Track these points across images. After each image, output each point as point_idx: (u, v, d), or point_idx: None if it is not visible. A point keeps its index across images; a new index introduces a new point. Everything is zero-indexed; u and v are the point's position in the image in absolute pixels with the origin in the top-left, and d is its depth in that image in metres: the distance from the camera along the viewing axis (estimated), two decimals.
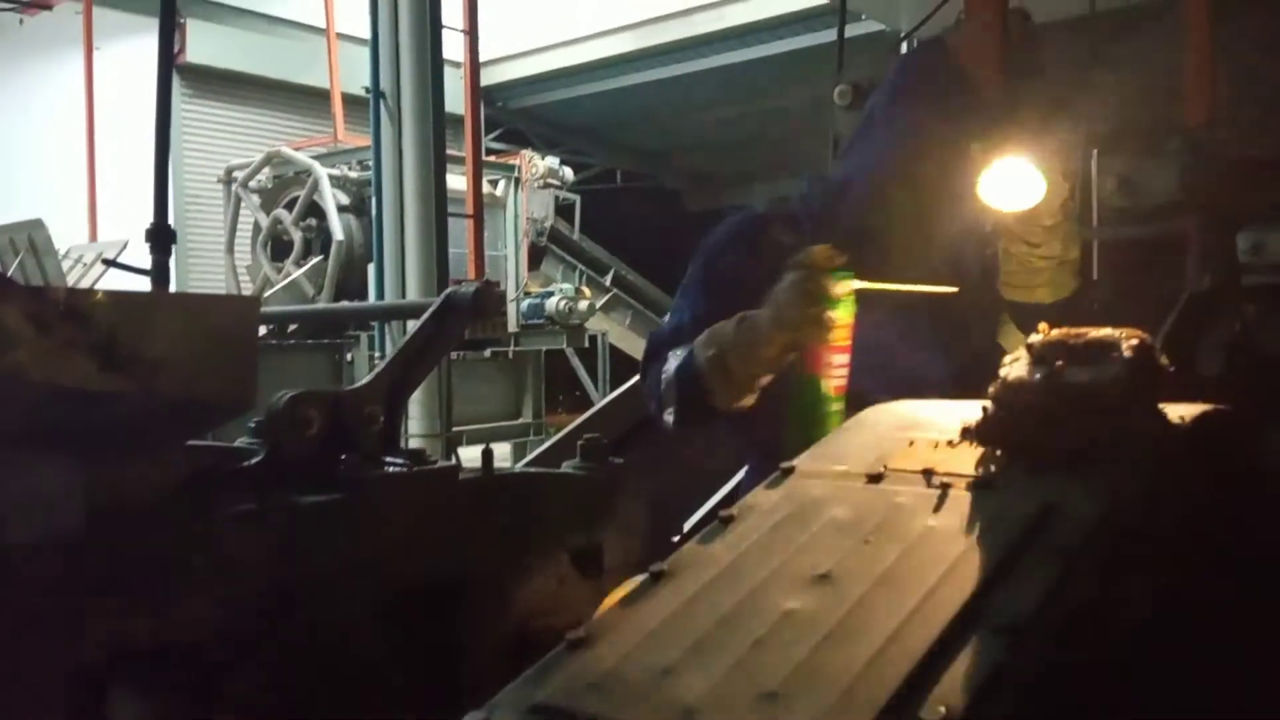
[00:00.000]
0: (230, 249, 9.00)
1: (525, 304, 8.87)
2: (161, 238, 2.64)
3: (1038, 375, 0.75)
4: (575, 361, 9.63)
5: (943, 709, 0.50)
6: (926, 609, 0.59)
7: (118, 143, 9.00)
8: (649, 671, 0.61)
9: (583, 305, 8.95)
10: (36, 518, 1.14)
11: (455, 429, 6.74)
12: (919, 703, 0.51)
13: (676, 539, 1.63)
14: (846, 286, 1.26)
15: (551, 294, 8.93)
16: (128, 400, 1.16)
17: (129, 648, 1.01)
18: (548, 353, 9.18)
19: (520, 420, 8.90)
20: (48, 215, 6.71)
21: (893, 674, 0.54)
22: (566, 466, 1.52)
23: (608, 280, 10.60)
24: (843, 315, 1.27)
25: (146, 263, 2.85)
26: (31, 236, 5.92)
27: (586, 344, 9.53)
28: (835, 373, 1.29)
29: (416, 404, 5.91)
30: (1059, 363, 0.75)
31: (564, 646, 0.66)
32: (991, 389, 0.76)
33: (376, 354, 6.84)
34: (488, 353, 8.40)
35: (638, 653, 0.63)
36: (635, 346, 10.54)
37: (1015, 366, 0.77)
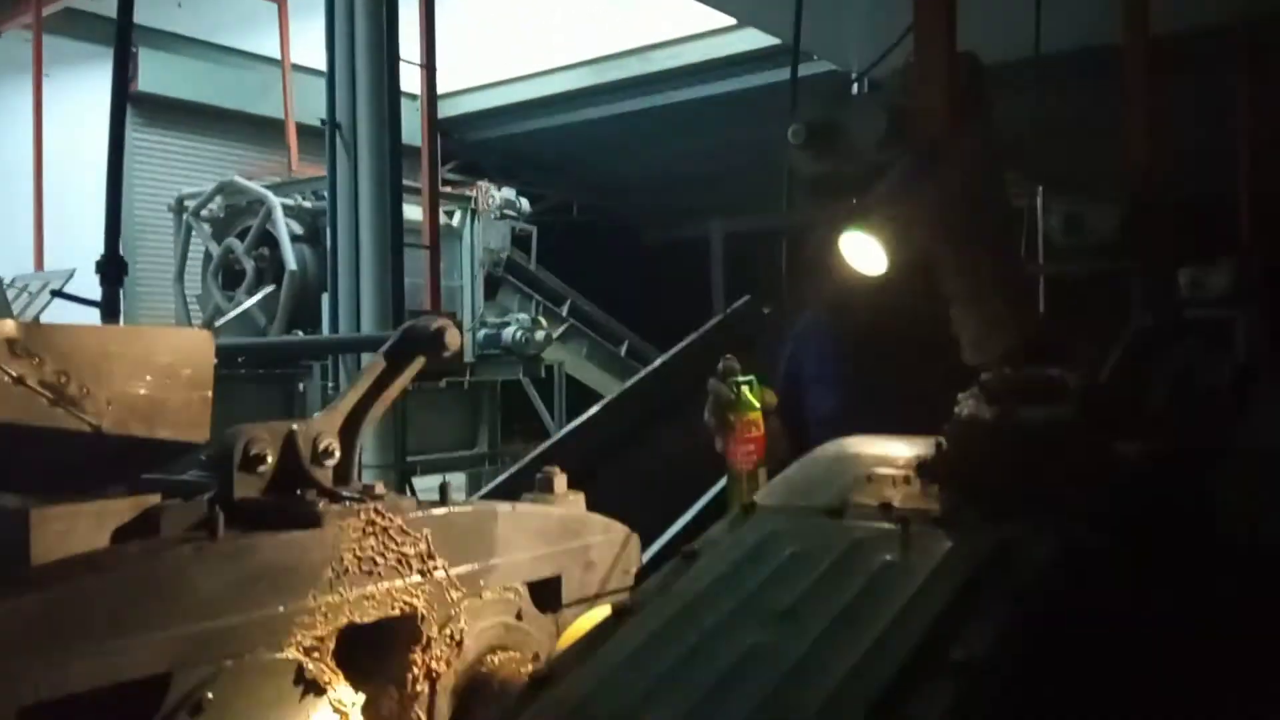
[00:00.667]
0: (180, 278, 8.87)
1: (481, 334, 8.84)
2: (112, 269, 2.60)
3: (989, 414, 0.77)
4: (531, 391, 9.59)
5: None
6: (886, 646, 0.60)
7: (65, 171, 8.86)
8: (613, 710, 0.61)
9: (539, 335, 8.94)
10: None
11: (410, 459, 6.67)
12: None
13: (635, 570, 1.63)
14: (746, 394, 1.64)
15: (508, 324, 8.91)
16: (79, 437, 1.14)
17: (73, 690, 0.98)
18: (504, 383, 9.15)
19: (476, 450, 8.84)
20: None
21: (853, 711, 0.54)
22: (526, 498, 1.52)
23: (564, 311, 10.60)
24: (745, 414, 1.64)
25: (95, 293, 2.81)
26: None
27: (543, 374, 9.51)
28: (742, 457, 1.65)
29: (370, 434, 5.83)
30: (1010, 402, 0.77)
31: (528, 684, 0.66)
32: (946, 426, 0.77)
33: (330, 384, 6.76)
34: (443, 383, 8.35)
35: (602, 691, 0.63)
36: (592, 377, 10.53)
37: (968, 404, 0.79)
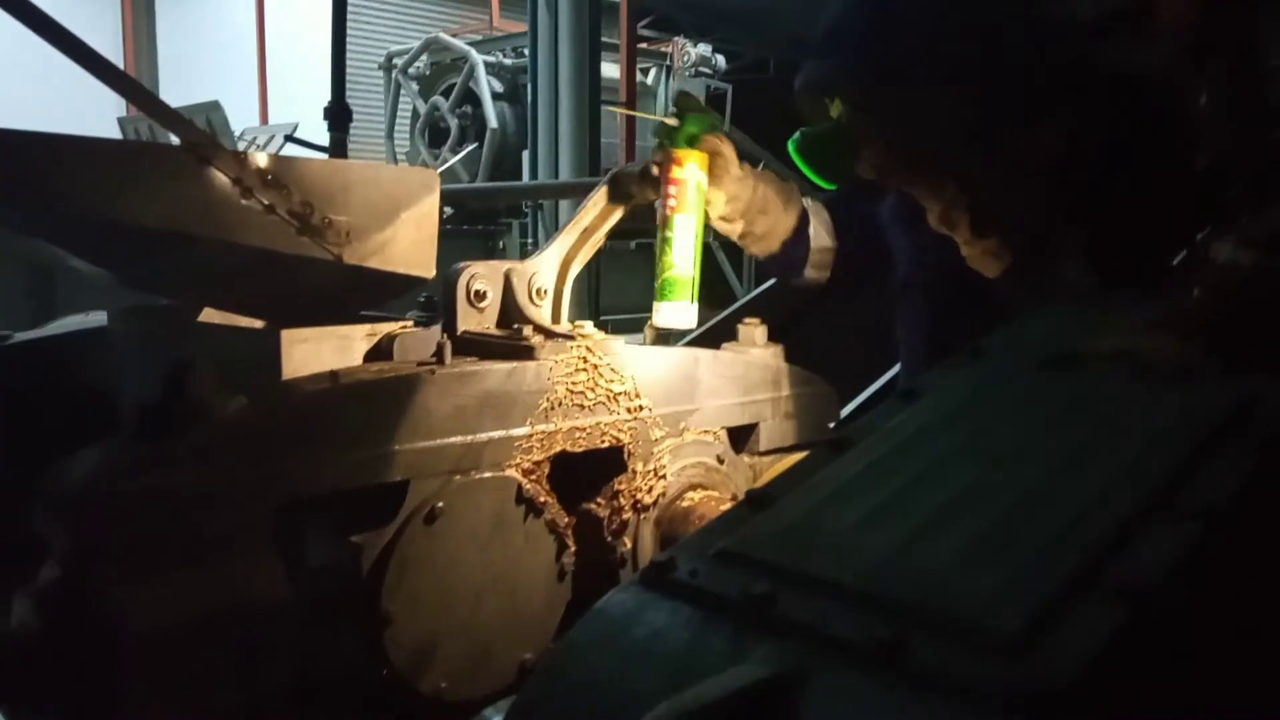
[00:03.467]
0: (390, 134, 9.23)
1: None
2: (339, 116, 2.74)
3: (1248, 261, 0.71)
4: (721, 256, 9.56)
5: (1134, 587, 0.50)
6: (1117, 489, 0.59)
7: (285, 31, 9.27)
8: (830, 529, 0.62)
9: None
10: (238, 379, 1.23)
11: (602, 318, 6.85)
12: (1105, 580, 0.51)
13: (832, 425, 1.64)
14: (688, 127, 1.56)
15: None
16: (320, 266, 1.23)
17: (322, 491, 1.09)
18: None
19: None
20: (222, 99, 7.02)
21: (1082, 547, 0.54)
22: (726, 348, 1.54)
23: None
24: (675, 150, 1.54)
25: (320, 142, 2.97)
26: (209, 118, 6.20)
27: None
28: (664, 200, 1.55)
29: (565, 306, 6.01)
30: (1274, 249, 0.71)
31: (745, 501, 0.68)
32: (1197, 272, 0.73)
33: (529, 240, 6.96)
34: (633, 244, 8.44)
35: (819, 511, 0.65)
36: None
37: (1222, 248, 0.74)
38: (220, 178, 1.12)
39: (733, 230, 1.68)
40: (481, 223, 7.41)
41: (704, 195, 1.56)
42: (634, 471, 1.35)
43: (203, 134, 1.15)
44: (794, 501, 0.67)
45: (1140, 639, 0.45)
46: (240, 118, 8.86)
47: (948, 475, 0.66)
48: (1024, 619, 0.47)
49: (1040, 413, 0.70)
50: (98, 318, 1.55)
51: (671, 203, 1.54)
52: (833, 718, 0.46)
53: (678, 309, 1.56)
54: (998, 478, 0.64)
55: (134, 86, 1.24)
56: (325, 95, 3.33)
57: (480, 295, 1.36)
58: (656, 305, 1.55)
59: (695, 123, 1.56)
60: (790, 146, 1.39)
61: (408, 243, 1.29)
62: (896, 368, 1.77)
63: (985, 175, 1.17)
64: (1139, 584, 0.48)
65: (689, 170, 1.54)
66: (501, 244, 7.76)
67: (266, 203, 1.15)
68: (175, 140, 1.15)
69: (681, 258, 1.55)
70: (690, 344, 1.70)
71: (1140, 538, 0.55)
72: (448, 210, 7.91)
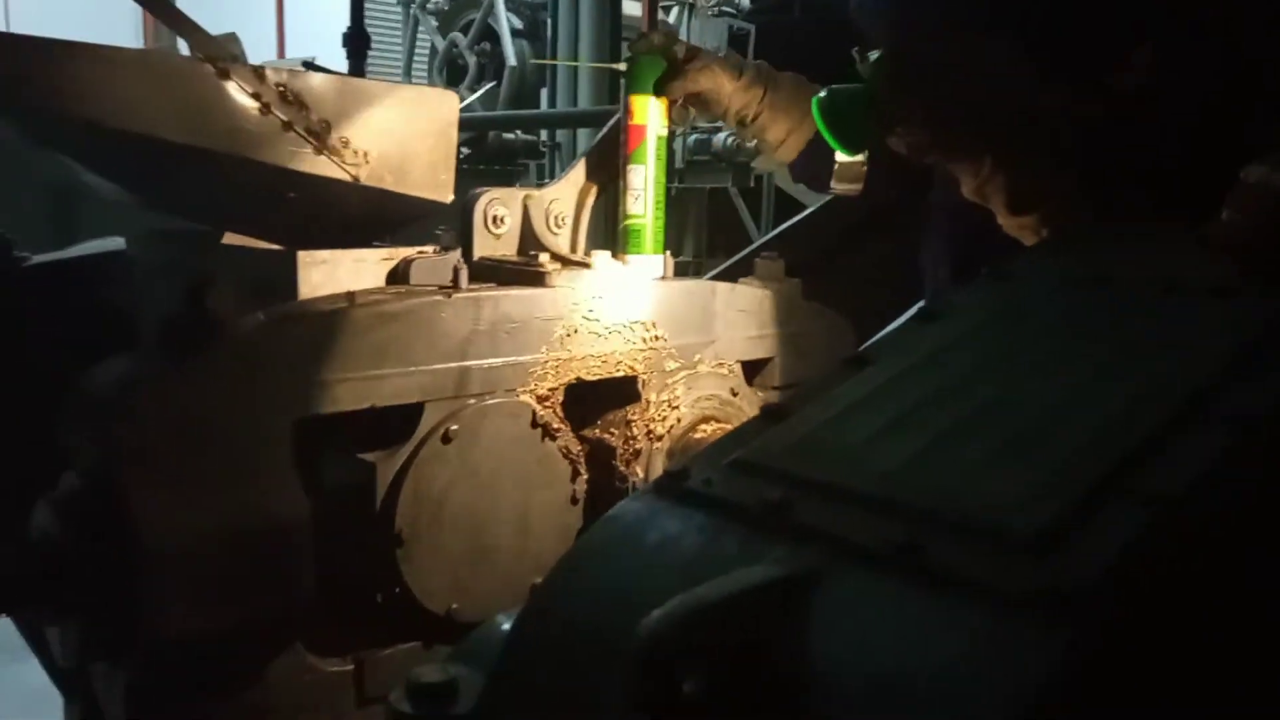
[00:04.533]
0: (408, 70, 9.14)
1: (692, 139, 8.71)
2: (357, 41, 2.70)
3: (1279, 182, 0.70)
4: (739, 202, 9.48)
5: (1162, 491, 0.49)
6: (1145, 400, 0.58)
7: None
8: (847, 440, 0.62)
9: (751, 142, 8.71)
10: (256, 298, 1.23)
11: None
12: (1137, 483, 0.50)
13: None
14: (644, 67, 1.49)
15: (719, 129, 8.73)
16: (337, 186, 1.22)
17: (338, 409, 1.09)
18: (711, 191, 9.06)
19: (681, 258, 8.91)
20: (239, 33, 6.94)
21: (1109, 454, 0.53)
22: (744, 282, 1.52)
23: None
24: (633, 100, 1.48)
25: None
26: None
27: (752, 184, 9.34)
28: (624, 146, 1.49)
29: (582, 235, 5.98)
30: None
31: (760, 415, 0.68)
32: (1230, 194, 0.71)
33: (547, 181, 6.90)
34: None
35: (836, 424, 0.64)
36: (802, 189, 10.24)
37: (1255, 170, 0.72)
38: (238, 92, 1.11)
39: (745, 135, 1.65)
40: (499, 163, 7.35)
41: (664, 143, 1.50)
42: (648, 401, 1.34)
43: (221, 46, 1.13)
44: (810, 414, 0.66)
45: (1167, 543, 0.44)
46: (257, 52, 8.78)
47: (969, 389, 0.65)
48: (1046, 521, 0.46)
49: (1067, 329, 0.69)
50: (116, 242, 1.54)
51: (626, 151, 1.48)
52: (848, 615, 0.45)
53: (644, 263, 1.47)
54: (1021, 390, 0.63)
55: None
56: (343, 29, 3.29)
57: (498, 220, 1.35)
58: (622, 258, 1.47)
59: (650, 67, 1.48)
60: (813, 105, 1.33)
61: (426, 165, 1.28)
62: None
63: (1029, 146, 1.07)
64: (1168, 488, 0.47)
65: (647, 117, 1.47)
66: (519, 184, 7.71)
67: (284, 119, 1.14)
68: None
69: (639, 206, 1.48)
70: (713, 279, 1.67)
71: (1171, 445, 0.54)
72: (464, 150, 7.86)
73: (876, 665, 0.43)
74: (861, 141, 1.34)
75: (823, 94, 1.31)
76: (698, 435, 1.39)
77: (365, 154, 1.22)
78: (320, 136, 1.17)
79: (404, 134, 1.25)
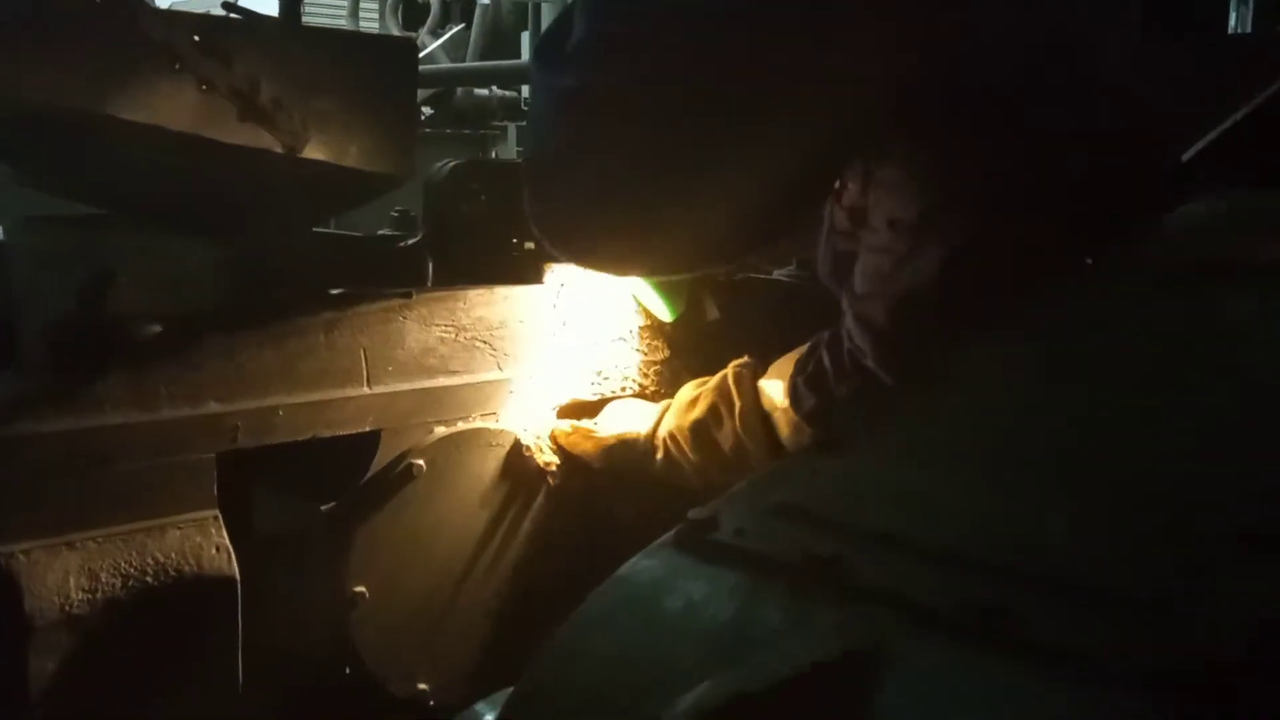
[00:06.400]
0: (354, 13, 9.17)
1: None
2: None
3: None
4: None
5: None
6: (1265, 431, 0.58)
7: None
8: (910, 478, 0.62)
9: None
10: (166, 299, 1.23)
11: None
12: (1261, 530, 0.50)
13: None
14: None
15: None
16: (272, 161, 1.23)
17: (272, 440, 1.10)
18: None
19: None
20: None
21: (1224, 497, 0.53)
22: None
23: None
24: None
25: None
26: None
27: None
28: None
29: None
30: None
31: (805, 451, 0.68)
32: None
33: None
34: None
35: (896, 458, 0.65)
36: None
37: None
38: (144, 44, 1.12)
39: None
40: (470, 125, 7.37)
41: None
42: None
43: None
44: (867, 449, 0.67)
45: None
46: None
47: (1053, 417, 0.65)
48: (1160, 579, 0.46)
49: (1168, 338, 0.69)
50: None
51: None
52: (920, 697, 0.46)
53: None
54: (1114, 420, 0.63)
55: None
56: None
57: (470, 193, 1.35)
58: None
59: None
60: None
61: (379, 132, 1.28)
62: None
63: None
64: None
65: None
66: (495, 153, 7.73)
67: (202, 76, 1.14)
68: None
69: None
70: None
71: None
72: (426, 111, 7.86)
73: None
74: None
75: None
76: None
77: (303, 119, 1.22)
78: (247, 98, 1.17)
79: (351, 93, 1.26)
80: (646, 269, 1.19)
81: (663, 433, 1.23)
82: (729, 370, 1.20)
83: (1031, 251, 0.91)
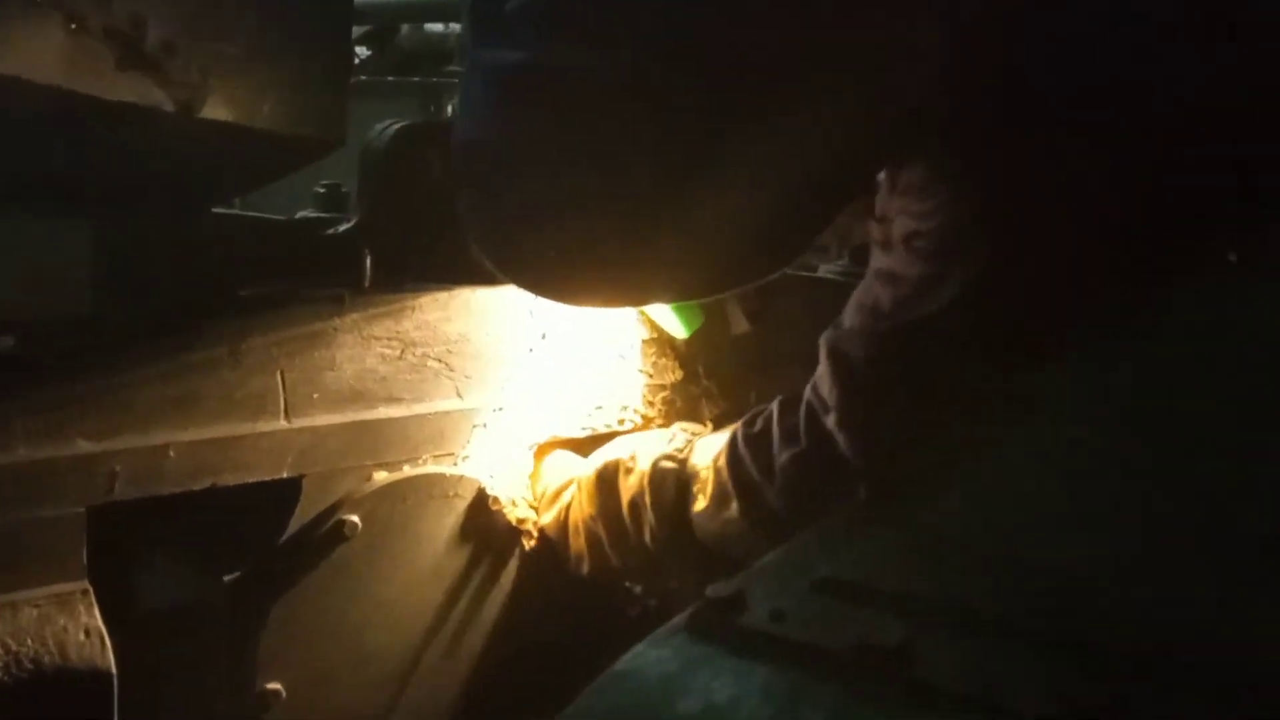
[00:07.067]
0: None
1: None
2: None
3: None
4: None
5: None
6: None
7: None
8: (998, 538, 0.63)
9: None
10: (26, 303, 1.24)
11: None
12: None
13: None
14: None
15: None
16: (162, 120, 1.23)
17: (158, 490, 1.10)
18: None
19: None
20: None
21: None
22: None
23: None
24: None
25: None
26: None
27: None
28: None
29: None
30: None
31: (859, 499, 0.69)
32: None
33: None
34: None
35: (979, 509, 0.65)
36: None
37: None
38: None
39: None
40: (419, 72, 7.41)
41: None
42: None
43: None
44: (937, 497, 0.67)
45: None
46: None
47: (1185, 455, 0.66)
48: None
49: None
50: None
51: None
52: None
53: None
54: (1262, 458, 0.64)
55: None
56: None
57: (420, 165, 1.35)
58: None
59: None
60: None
61: (299, 83, 1.29)
62: None
63: None
64: None
65: None
66: (450, 109, 7.77)
67: (71, 13, 1.15)
68: None
69: None
70: None
71: None
72: (363, 53, 7.90)
73: None
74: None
75: None
76: None
77: (202, 68, 1.23)
78: (129, 41, 1.18)
79: (264, 34, 1.26)
80: (625, 300, 1.19)
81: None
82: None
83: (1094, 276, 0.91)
